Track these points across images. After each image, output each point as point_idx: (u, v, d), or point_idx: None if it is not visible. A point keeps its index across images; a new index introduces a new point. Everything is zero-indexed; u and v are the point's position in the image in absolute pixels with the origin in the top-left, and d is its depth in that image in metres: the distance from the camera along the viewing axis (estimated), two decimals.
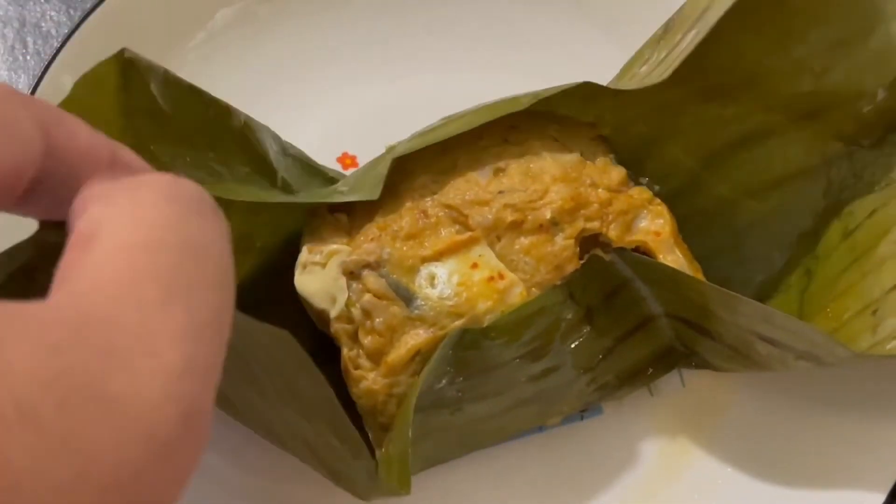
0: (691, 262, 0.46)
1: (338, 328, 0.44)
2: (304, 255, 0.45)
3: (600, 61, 0.54)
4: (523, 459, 0.49)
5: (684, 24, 0.48)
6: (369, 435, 0.46)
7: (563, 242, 0.44)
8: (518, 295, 0.43)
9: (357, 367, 0.44)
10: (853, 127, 0.49)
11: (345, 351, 0.44)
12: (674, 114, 0.49)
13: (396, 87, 0.58)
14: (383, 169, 0.44)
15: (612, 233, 0.45)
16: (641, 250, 0.45)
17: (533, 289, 0.43)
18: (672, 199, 0.50)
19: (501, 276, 0.43)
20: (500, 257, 0.44)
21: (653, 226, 0.45)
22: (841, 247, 0.49)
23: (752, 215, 0.51)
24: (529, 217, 0.44)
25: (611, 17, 0.58)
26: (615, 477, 0.49)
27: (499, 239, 0.44)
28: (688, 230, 0.50)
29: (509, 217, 0.44)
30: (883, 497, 0.44)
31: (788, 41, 0.47)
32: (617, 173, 0.46)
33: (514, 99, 0.46)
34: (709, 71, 0.47)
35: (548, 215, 0.44)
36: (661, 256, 0.45)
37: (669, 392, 0.50)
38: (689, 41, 0.46)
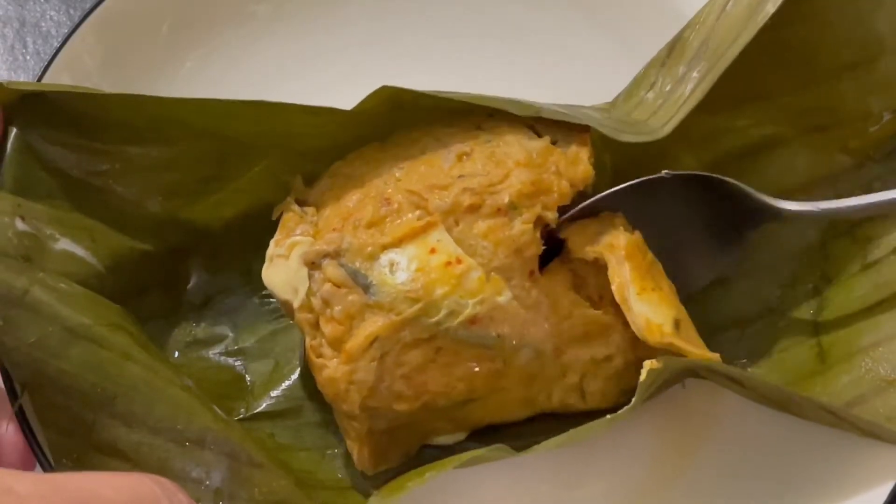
0: (643, 278, 0.44)
1: (300, 318, 0.44)
2: (271, 248, 0.46)
3: (602, 60, 0.55)
4: (518, 460, 0.49)
5: (687, 53, 0.48)
6: (338, 423, 0.47)
7: (522, 227, 0.43)
8: (476, 280, 0.43)
9: (319, 355, 0.44)
10: (860, 143, 0.49)
11: (307, 340, 0.45)
12: (683, 124, 0.48)
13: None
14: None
15: (575, 239, 0.45)
16: (600, 262, 0.45)
17: (492, 273, 0.43)
18: None
19: (459, 261, 0.43)
20: (459, 242, 0.43)
21: (611, 238, 0.45)
22: (861, 278, 0.48)
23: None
24: (487, 201, 0.44)
25: (611, 16, 0.57)
26: (611, 477, 0.49)
27: (457, 223, 0.44)
28: None
29: (467, 200, 0.43)
30: (882, 498, 0.44)
31: (795, 63, 0.48)
32: (584, 170, 0.45)
33: (526, 105, 0.46)
34: (717, 85, 0.47)
35: (506, 199, 0.43)
36: (611, 268, 0.44)
37: (669, 393, 0.50)
38: (693, 84, 0.46)
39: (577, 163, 0.45)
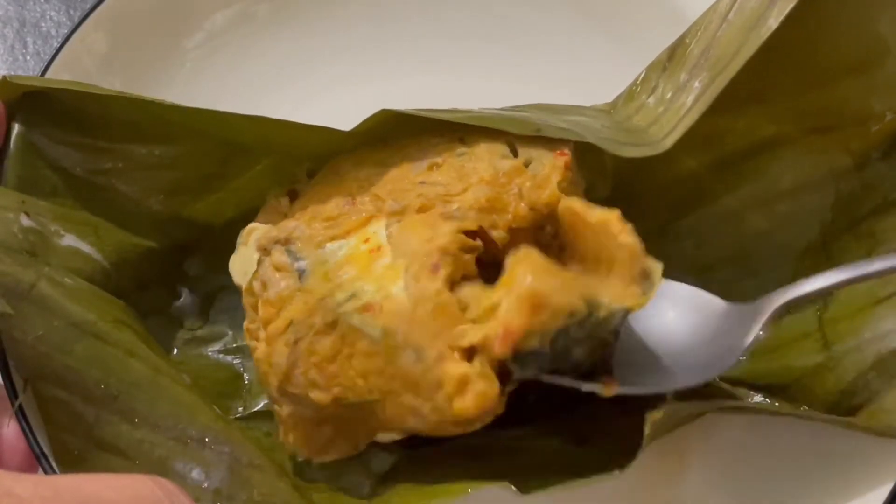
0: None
1: (245, 301, 0.45)
2: (239, 236, 0.47)
3: (602, 60, 0.55)
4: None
5: (689, 60, 0.48)
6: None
7: (449, 226, 0.42)
8: (382, 267, 0.41)
9: (254, 338, 0.44)
10: (861, 143, 0.49)
11: (246, 322, 0.45)
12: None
13: (396, 87, 0.58)
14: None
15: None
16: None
17: (399, 259, 0.41)
18: (678, 210, 0.51)
19: (379, 249, 0.42)
20: (391, 237, 0.42)
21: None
22: None
23: (759, 225, 0.51)
24: (438, 207, 0.43)
25: (612, 16, 0.57)
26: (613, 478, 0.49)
27: (399, 221, 0.43)
28: (695, 240, 0.50)
29: (417, 204, 0.43)
30: (883, 498, 0.44)
31: (796, 64, 0.48)
32: (549, 194, 0.43)
33: (525, 122, 0.46)
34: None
35: (454, 208, 0.43)
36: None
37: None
38: (694, 95, 0.46)
39: (543, 187, 0.44)
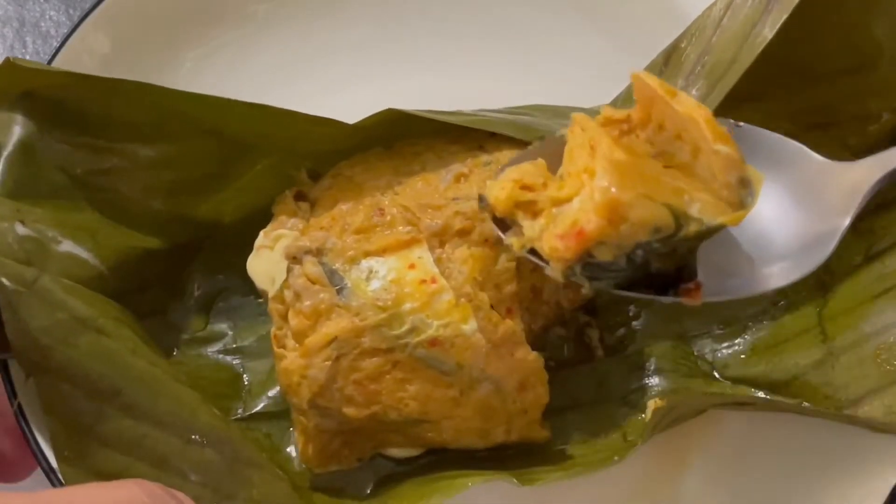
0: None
1: (272, 308, 0.45)
2: (259, 238, 0.47)
3: (601, 61, 0.55)
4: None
5: (685, 66, 0.48)
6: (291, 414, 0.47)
7: (505, 265, 0.44)
8: (445, 302, 0.43)
9: (281, 346, 0.45)
10: (860, 140, 0.49)
11: (273, 329, 0.45)
12: None
13: (396, 87, 0.58)
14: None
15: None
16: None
17: (462, 299, 0.43)
18: None
19: (433, 281, 0.43)
20: (439, 262, 0.44)
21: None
22: (865, 268, 0.48)
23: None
24: (477, 227, 0.44)
25: (611, 17, 0.58)
26: (613, 479, 0.49)
27: (442, 245, 0.44)
28: None
29: (458, 225, 0.44)
30: (884, 497, 0.44)
31: (791, 65, 0.48)
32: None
33: (528, 128, 0.46)
34: None
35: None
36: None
37: None
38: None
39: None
